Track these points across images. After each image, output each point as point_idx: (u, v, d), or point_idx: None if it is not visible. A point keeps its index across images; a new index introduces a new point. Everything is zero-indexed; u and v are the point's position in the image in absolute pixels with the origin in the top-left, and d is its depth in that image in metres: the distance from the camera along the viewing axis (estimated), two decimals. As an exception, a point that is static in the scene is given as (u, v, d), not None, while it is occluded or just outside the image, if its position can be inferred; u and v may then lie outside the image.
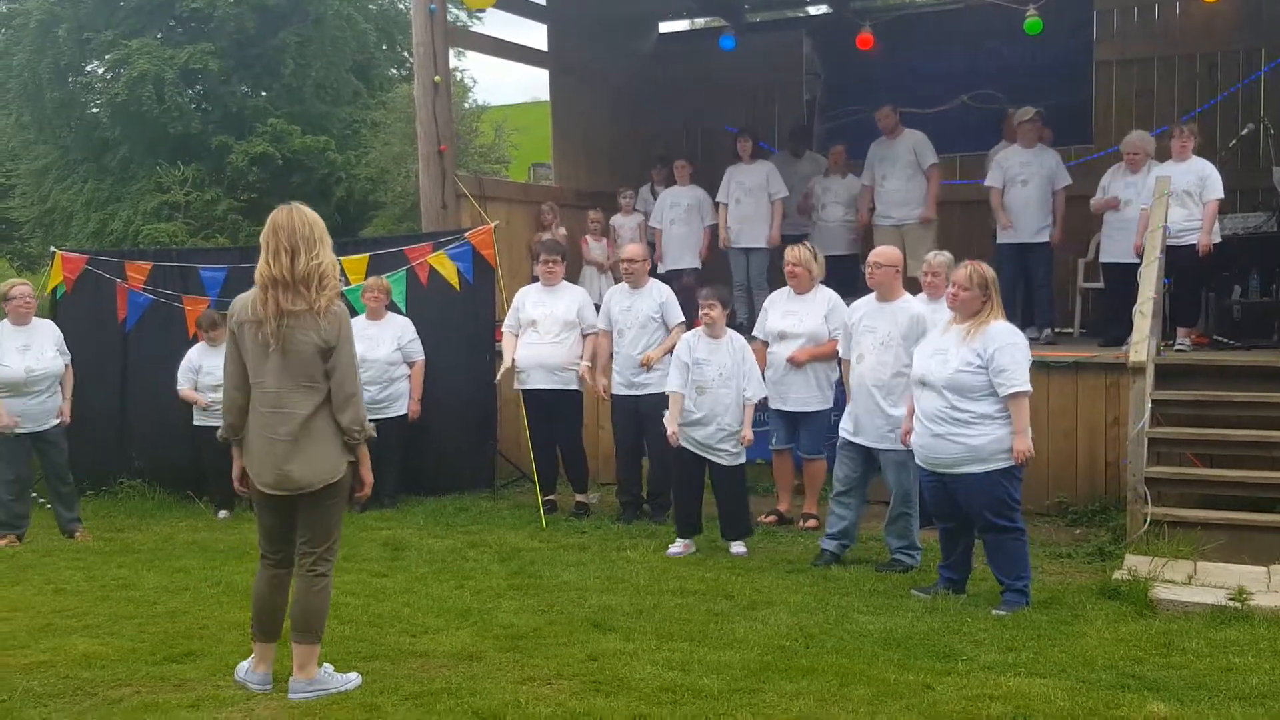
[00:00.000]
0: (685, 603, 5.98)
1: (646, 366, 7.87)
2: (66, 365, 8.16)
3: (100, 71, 17.65)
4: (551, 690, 4.64)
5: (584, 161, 12.62)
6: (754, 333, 8.02)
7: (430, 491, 9.21)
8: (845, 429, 6.80)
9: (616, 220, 11.46)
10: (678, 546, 7.22)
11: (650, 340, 7.97)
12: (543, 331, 8.28)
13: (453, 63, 13.11)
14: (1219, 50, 11.48)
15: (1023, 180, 9.47)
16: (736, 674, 4.79)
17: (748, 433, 7.11)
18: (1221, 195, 8.41)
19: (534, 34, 12.72)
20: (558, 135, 12.54)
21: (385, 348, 8.83)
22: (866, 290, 6.98)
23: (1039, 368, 7.09)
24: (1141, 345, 7.10)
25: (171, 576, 6.80)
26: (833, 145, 11.00)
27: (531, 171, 16.96)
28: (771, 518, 8.03)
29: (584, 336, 8.32)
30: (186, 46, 16.18)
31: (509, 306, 8.60)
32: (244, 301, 4.59)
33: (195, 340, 9.16)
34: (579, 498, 8.53)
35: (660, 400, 7.39)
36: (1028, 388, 5.69)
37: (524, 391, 8.38)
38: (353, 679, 4.74)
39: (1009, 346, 5.68)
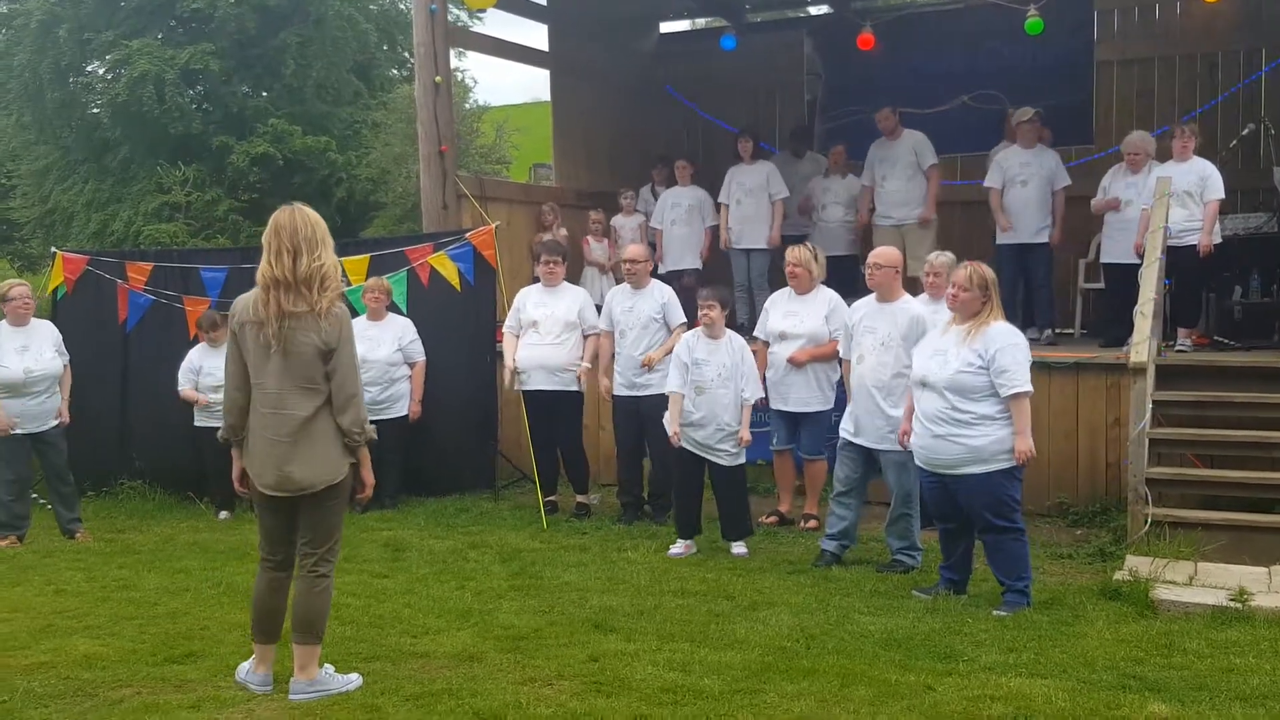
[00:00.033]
0: (686, 603, 5.98)
1: (648, 367, 7.87)
2: (65, 366, 8.17)
3: (101, 72, 17.66)
4: (552, 691, 4.64)
5: (585, 162, 12.62)
6: (755, 333, 8.02)
7: (431, 492, 9.21)
8: (846, 429, 6.80)
9: (617, 221, 11.46)
10: (679, 547, 7.22)
11: (652, 341, 7.97)
12: (544, 332, 8.28)
13: (453, 63, 13.12)
14: (1220, 50, 11.48)
15: (1022, 181, 9.47)
16: (737, 675, 4.79)
17: (745, 433, 7.11)
18: (1222, 195, 8.41)
19: (535, 34, 12.73)
20: (558, 135, 12.54)
21: (386, 348, 8.83)
22: (866, 291, 6.98)
23: (1040, 368, 7.10)
24: (1142, 346, 7.10)
25: (172, 577, 6.81)
26: (833, 145, 11.01)
27: (532, 172, 16.95)
28: (772, 518, 8.03)
29: (585, 337, 8.32)
30: (187, 47, 16.19)
31: (510, 307, 8.60)
32: (245, 302, 4.59)
33: (196, 341, 9.16)
34: (580, 498, 8.53)
35: (662, 401, 7.39)
36: (1029, 388, 5.69)
37: (525, 392, 8.38)
38: (353, 680, 4.75)
39: (1010, 347, 5.69)
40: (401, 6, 18.86)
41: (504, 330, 8.62)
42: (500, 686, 4.67)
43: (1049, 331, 9.47)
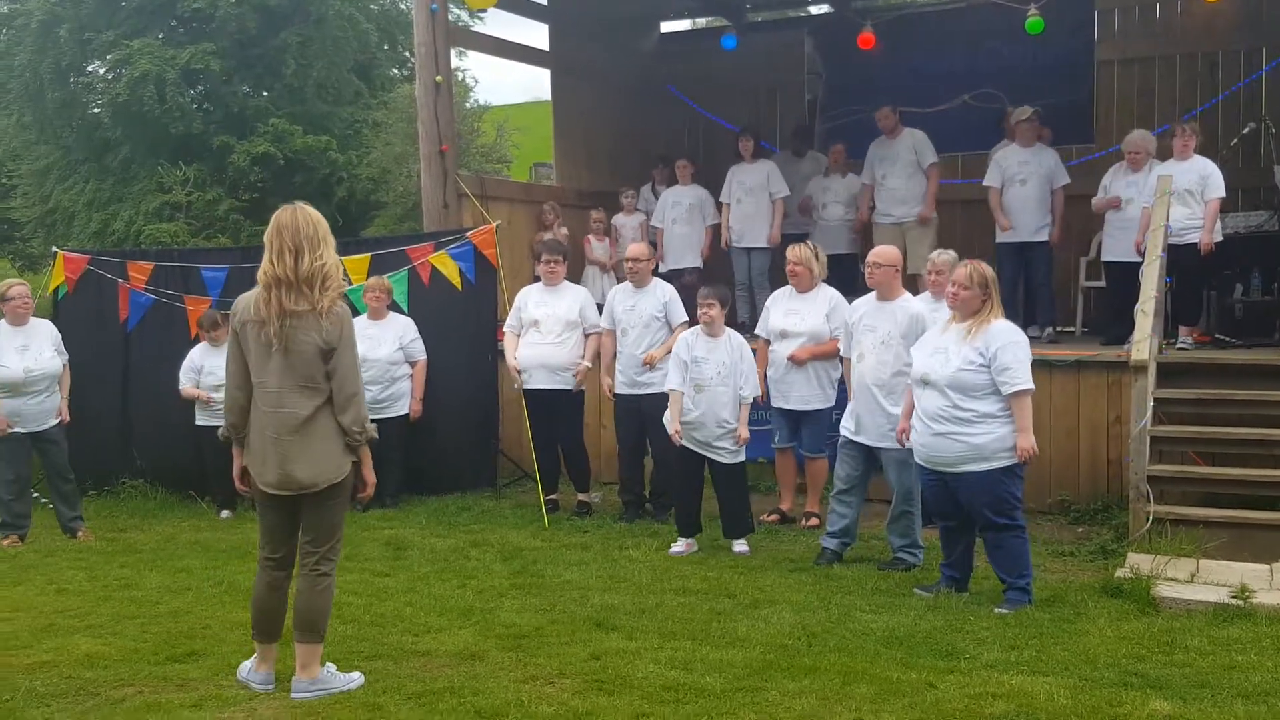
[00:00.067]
0: (688, 601, 5.98)
1: (649, 366, 7.88)
2: (64, 365, 8.17)
3: (102, 72, 17.65)
4: (554, 689, 4.64)
5: (585, 161, 12.62)
6: (756, 331, 8.03)
7: (432, 491, 9.22)
8: (846, 427, 6.80)
9: (618, 220, 11.47)
10: (680, 545, 7.22)
11: (653, 340, 7.97)
12: (545, 331, 8.28)
13: (454, 62, 13.11)
14: (1220, 49, 11.48)
15: (1021, 179, 9.48)
16: (739, 672, 4.79)
17: (744, 431, 7.12)
18: (1223, 194, 8.42)
19: (535, 34, 12.74)
20: (559, 135, 12.55)
21: (387, 347, 8.83)
22: (867, 289, 6.98)
23: (1041, 366, 7.10)
24: (1143, 344, 7.11)
25: (174, 576, 6.81)
26: (834, 144, 11.01)
27: (533, 171, 16.96)
28: (774, 516, 8.03)
29: (586, 336, 8.33)
30: (188, 46, 16.19)
31: (511, 306, 8.61)
32: (247, 301, 4.59)
33: (197, 340, 9.16)
34: (581, 497, 8.53)
35: (663, 399, 7.39)
36: (1030, 386, 5.69)
37: (526, 391, 8.38)
38: (355, 678, 4.75)
39: (1011, 345, 5.69)
40: (402, 6, 18.86)
41: (505, 329, 8.62)
42: (502, 685, 4.68)
43: (1050, 329, 9.48)
